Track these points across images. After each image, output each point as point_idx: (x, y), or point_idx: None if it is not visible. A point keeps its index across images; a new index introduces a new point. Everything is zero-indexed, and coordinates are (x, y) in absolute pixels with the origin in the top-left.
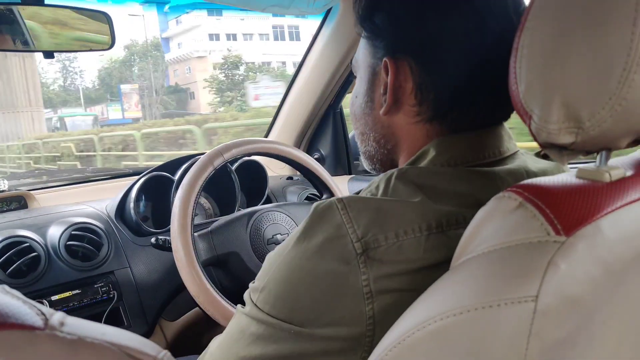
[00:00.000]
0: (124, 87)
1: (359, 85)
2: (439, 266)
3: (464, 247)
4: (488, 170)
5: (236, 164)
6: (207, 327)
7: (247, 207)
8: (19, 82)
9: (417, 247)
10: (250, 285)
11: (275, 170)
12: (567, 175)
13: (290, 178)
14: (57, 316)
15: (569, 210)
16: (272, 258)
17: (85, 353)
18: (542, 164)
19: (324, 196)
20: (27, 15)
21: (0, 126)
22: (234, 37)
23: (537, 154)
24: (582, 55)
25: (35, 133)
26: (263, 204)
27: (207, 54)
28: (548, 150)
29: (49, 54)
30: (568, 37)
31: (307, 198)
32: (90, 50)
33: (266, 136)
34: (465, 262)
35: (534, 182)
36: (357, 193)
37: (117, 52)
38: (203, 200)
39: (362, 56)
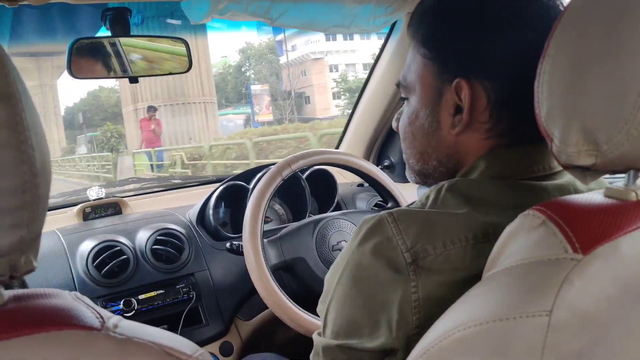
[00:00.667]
0: (254, 89)
1: (418, 104)
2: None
3: (493, 260)
4: (536, 184)
5: (307, 173)
6: (280, 327)
7: (319, 213)
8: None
9: (464, 256)
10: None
11: (347, 177)
12: (596, 193)
13: (360, 185)
14: (113, 319)
15: (589, 229)
16: (332, 275)
17: (131, 350)
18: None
19: (389, 204)
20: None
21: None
22: (351, 36)
23: None
24: (598, 83)
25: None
26: (333, 210)
27: (324, 56)
28: (571, 171)
29: (134, 79)
30: (585, 66)
31: (376, 205)
32: (170, 73)
33: (338, 145)
34: (492, 275)
35: (560, 200)
36: (410, 205)
37: (232, 57)
38: (277, 207)
39: (421, 76)
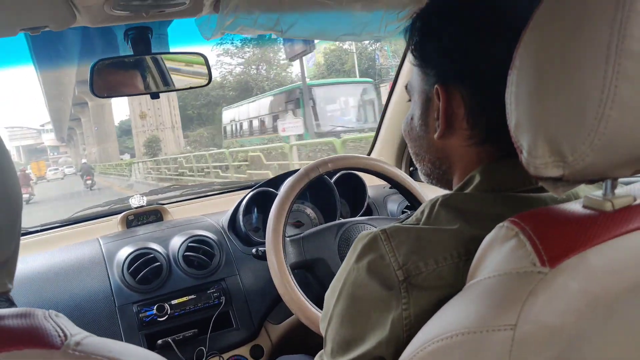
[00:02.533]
0: None
1: (414, 108)
2: None
3: (472, 271)
4: (533, 196)
5: (335, 177)
6: (310, 330)
7: (351, 216)
8: None
9: (456, 272)
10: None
11: (380, 180)
12: (576, 204)
13: (392, 187)
14: (77, 337)
15: (558, 241)
16: (331, 292)
17: None
18: (593, 189)
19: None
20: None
21: None
22: None
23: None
24: (560, 94)
25: None
26: (364, 213)
27: None
28: (542, 182)
29: (155, 95)
30: (547, 77)
31: (407, 207)
32: (190, 87)
33: (370, 152)
34: (468, 287)
35: (536, 211)
36: (406, 218)
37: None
38: (309, 211)
39: (416, 82)
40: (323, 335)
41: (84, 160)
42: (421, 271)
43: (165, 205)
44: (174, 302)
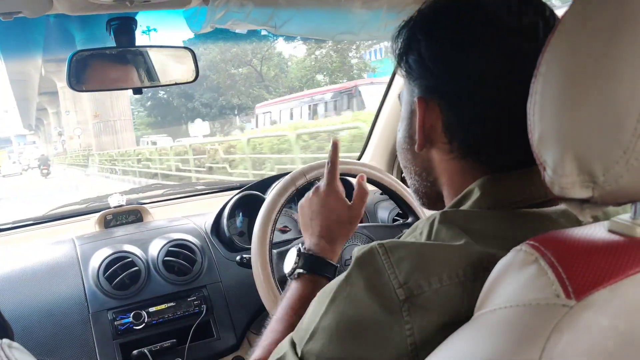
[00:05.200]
0: None
1: (401, 120)
2: None
3: (484, 298)
4: (538, 211)
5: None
6: None
7: None
8: None
9: (462, 293)
10: (297, 327)
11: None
12: (598, 227)
13: (383, 193)
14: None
15: (585, 271)
16: (317, 304)
17: None
18: None
19: (410, 219)
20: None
21: None
22: None
23: None
24: (593, 106)
25: None
26: None
27: None
28: (566, 203)
29: (138, 90)
30: (579, 87)
31: (398, 215)
32: (176, 84)
33: (360, 156)
34: (481, 316)
35: (556, 234)
36: (399, 237)
37: None
38: (296, 215)
39: (404, 93)
40: (298, 339)
41: (42, 153)
42: (424, 290)
43: (145, 205)
44: (151, 309)
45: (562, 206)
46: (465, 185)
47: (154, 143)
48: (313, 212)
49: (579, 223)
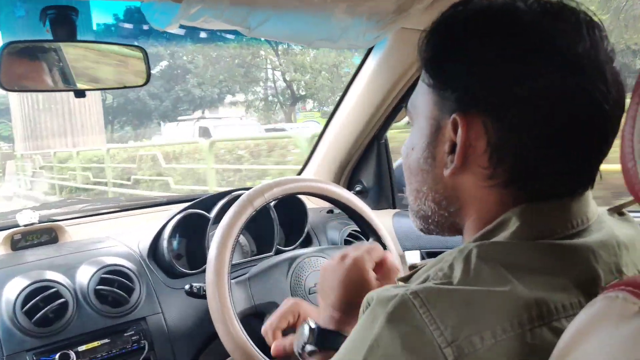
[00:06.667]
0: None
1: (417, 136)
2: None
3: (563, 354)
4: (578, 243)
5: (275, 200)
6: None
7: (286, 245)
8: None
9: (522, 347)
10: None
11: (314, 202)
12: None
13: (330, 211)
14: None
15: None
16: None
17: None
18: (627, 229)
19: (371, 239)
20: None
21: None
22: None
23: (612, 210)
24: None
25: None
26: (302, 241)
27: None
28: None
29: (80, 93)
30: None
31: (350, 235)
32: (125, 87)
33: (301, 170)
34: None
35: None
36: (414, 267)
37: None
38: (242, 239)
39: (423, 105)
40: None
41: None
42: (477, 348)
43: (60, 222)
44: (81, 348)
45: (597, 235)
46: (497, 216)
47: None
48: (335, 282)
49: (616, 255)
